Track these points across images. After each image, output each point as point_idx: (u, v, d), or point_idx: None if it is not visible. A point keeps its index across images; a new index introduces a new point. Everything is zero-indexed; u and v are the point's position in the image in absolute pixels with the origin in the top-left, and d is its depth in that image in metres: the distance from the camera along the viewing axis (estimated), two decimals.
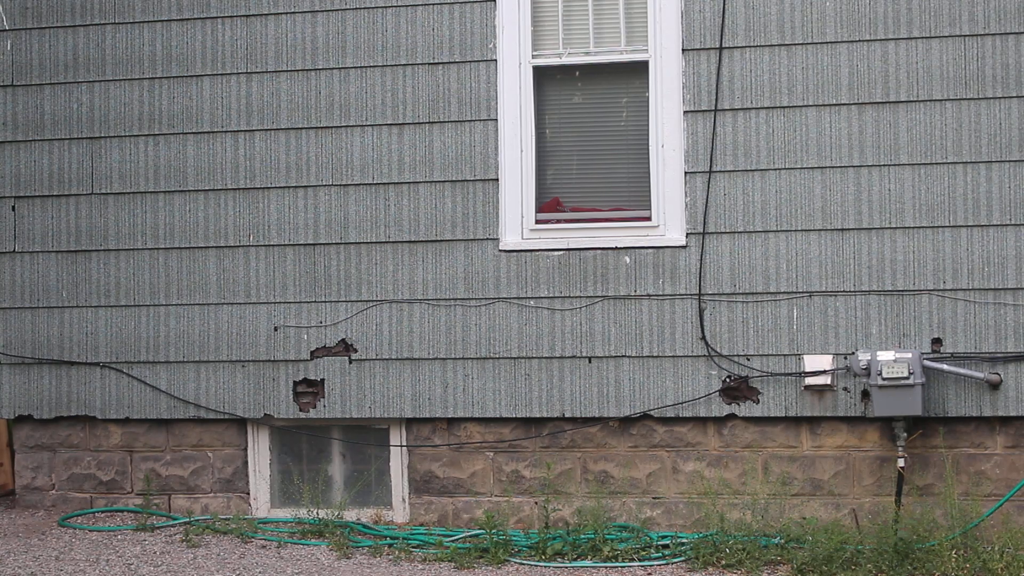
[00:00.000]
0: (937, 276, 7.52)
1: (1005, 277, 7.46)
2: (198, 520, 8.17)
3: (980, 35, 7.54)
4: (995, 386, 7.46)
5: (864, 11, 7.63)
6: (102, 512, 8.42)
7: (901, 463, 7.49)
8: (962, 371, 7.45)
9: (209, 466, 8.34)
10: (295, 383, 8.15)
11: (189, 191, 8.27)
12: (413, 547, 7.64)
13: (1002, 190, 7.49)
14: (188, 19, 8.29)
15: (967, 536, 7.24)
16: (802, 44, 7.70)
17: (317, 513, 8.02)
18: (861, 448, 7.64)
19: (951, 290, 7.52)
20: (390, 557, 7.50)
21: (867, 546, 7.19)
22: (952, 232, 7.53)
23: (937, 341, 7.52)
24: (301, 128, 8.16)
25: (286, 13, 8.17)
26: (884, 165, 7.60)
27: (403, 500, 8.12)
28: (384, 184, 8.05)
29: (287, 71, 8.18)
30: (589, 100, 8.10)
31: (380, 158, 8.08)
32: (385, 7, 8.07)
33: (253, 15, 8.21)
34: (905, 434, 7.47)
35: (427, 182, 8.01)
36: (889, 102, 7.61)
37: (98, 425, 8.44)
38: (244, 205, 8.22)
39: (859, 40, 7.65)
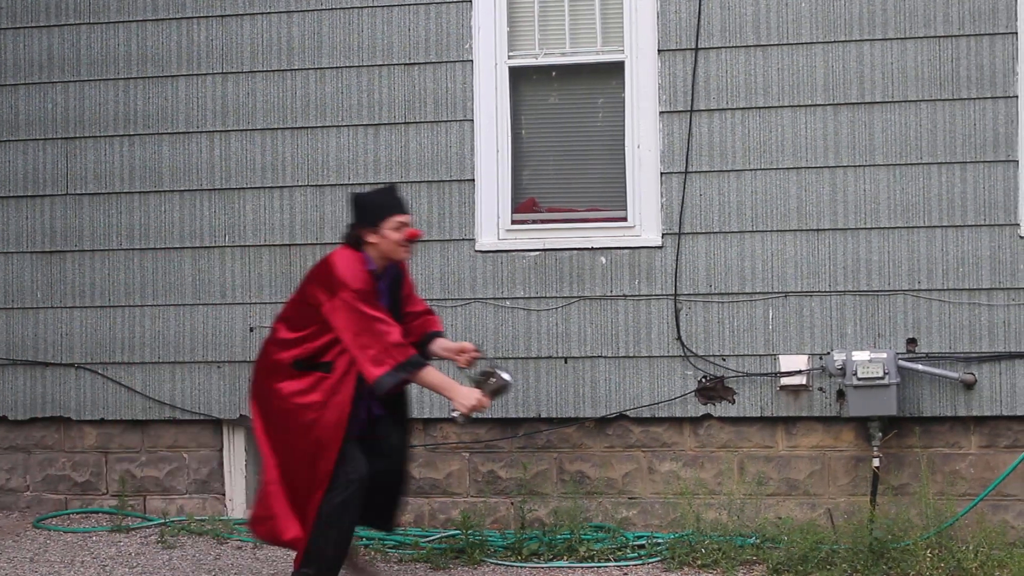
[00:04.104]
0: (912, 276, 7.54)
1: (980, 277, 7.48)
2: (173, 521, 8.14)
3: (955, 36, 7.55)
4: (970, 386, 7.48)
5: (839, 12, 7.65)
6: (77, 513, 8.39)
7: (876, 463, 7.50)
8: (937, 371, 7.47)
9: (184, 467, 8.31)
10: None
11: (164, 191, 8.25)
12: (389, 548, 7.63)
13: (976, 191, 7.51)
14: (163, 19, 8.26)
15: (942, 536, 7.25)
16: (778, 45, 7.71)
17: None
18: (836, 448, 7.66)
19: (926, 290, 7.53)
20: (366, 557, 7.48)
21: (842, 546, 7.20)
22: (927, 232, 7.55)
23: (912, 341, 7.54)
24: (277, 128, 8.14)
25: (262, 13, 8.15)
26: (859, 166, 7.62)
27: None
28: (360, 184, 8.03)
29: (263, 71, 8.17)
30: (565, 100, 8.10)
31: (356, 158, 8.07)
32: (361, 7, 8.06)
33: (228, 15, 8.19)
34: (880, 434, 7.48)
35: (403, 182, 7.98)
36: (864, 103, 7.63)
37: (73, 426, 8.41)
38: (220, 205, 8.20)
39: (834, 41, 7.66)
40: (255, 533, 6.57)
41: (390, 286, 6.51)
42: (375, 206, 6.37)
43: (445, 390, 6.34)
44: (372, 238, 6.32)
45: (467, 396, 6.31)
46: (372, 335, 6.14)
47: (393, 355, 6.16)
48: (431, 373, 6.33)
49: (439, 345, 6.71)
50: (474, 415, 6.45)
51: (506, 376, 6.48)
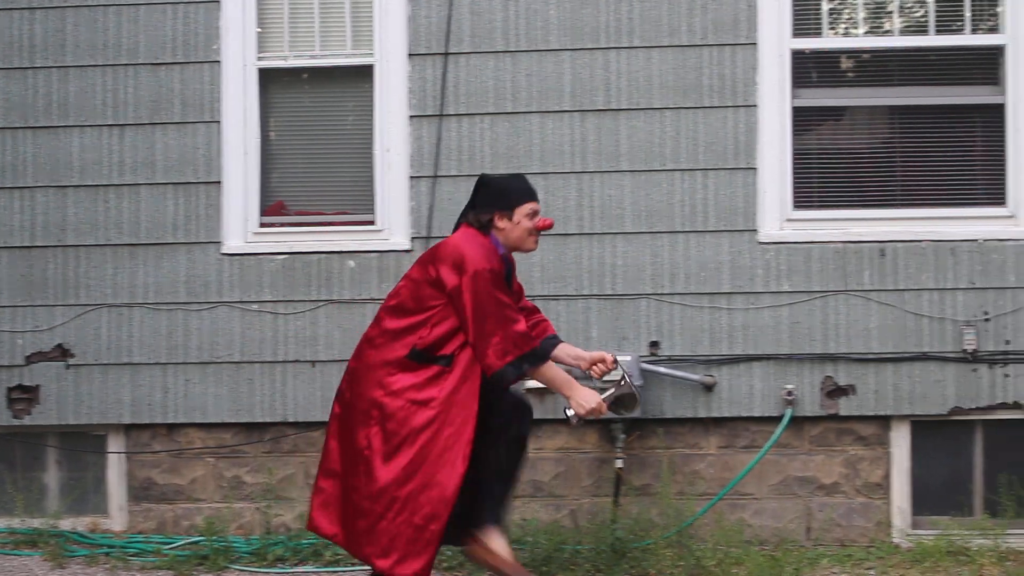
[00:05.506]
0: (656, 281, 7.67)
1: (720, 282, 7.65)
2: None
3: (698, 46, 7.72)
4: (710, 388, 7.63)
5: (587, 20, 7.76)
6: None
7: (619, 464, 7.60)
8: (678, 374, 7.61)
9: None
10: (9, 389, 7.89)
11: None
12: (130, 555, 7.48)
13: (718, 197, 7.68)
14: None
15: (682, 535, 7.38)
16: (527, 51, 7.79)
17: (31, 522, 7.79)
18: (581, 450, 7.74)
19: (668, 294, 7.67)
20: (107, 566, 7.33)
21: (585, 546, 7.29)
22: (670, 238, 7.68)
23: (655, 344, 7.67)
24: (18, 128, 7.93)
25: (3, 9, 7.93)
26: (605, 172, 7.72)
27: (121, 508, 7.94)
28: (104, 186, 7.88)
29: (3, 69, 7.95)
30: (316, 103, 8.05)
31: (100, 159, 7.90)
32: (107, 5, 7.90)
33: None
34: (623, 435, 7.59)
35: (149, 184, 7.86)
36: (610, 110, 7.74)
37: None
38: None
39: (582, 48, 7.76)
40: (380, 568, 5.73)
41: (506, 280, 5.96)
42: (510, 189, 5.94)
43: (564, 387, 5.80)
44: (502, 223, 5.87)
45: (588, 398, 5.79)
46: (498, 321, 5.60)
47: (519, 345, 5.62)
48: (551, 368, 5.79)
49: (566, 351, 6.16)
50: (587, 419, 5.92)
51: (632, 388, 6.04)
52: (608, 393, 5.97)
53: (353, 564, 7.33)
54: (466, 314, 5.63)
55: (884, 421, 7.67)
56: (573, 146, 7.74)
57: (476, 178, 7.55)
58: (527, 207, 5.93)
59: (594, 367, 6.08)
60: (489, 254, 5.73)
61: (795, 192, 7.71)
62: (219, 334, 7.83)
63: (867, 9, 7.83)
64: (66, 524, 7.87)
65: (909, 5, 7.83)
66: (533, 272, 7.67)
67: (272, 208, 7.94)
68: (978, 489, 7.68)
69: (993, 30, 7.71)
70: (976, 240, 7.59)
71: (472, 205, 5.98)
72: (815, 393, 7.63)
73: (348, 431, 5.80)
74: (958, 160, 7.73)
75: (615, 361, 6.01)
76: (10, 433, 8.00)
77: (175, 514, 7.89)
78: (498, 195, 5.93)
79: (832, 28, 7.83)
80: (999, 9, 7.69)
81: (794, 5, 7.74)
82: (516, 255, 6.14)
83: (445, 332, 5.69)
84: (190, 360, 7.82)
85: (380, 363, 5.73)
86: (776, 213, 7.67)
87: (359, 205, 7.91)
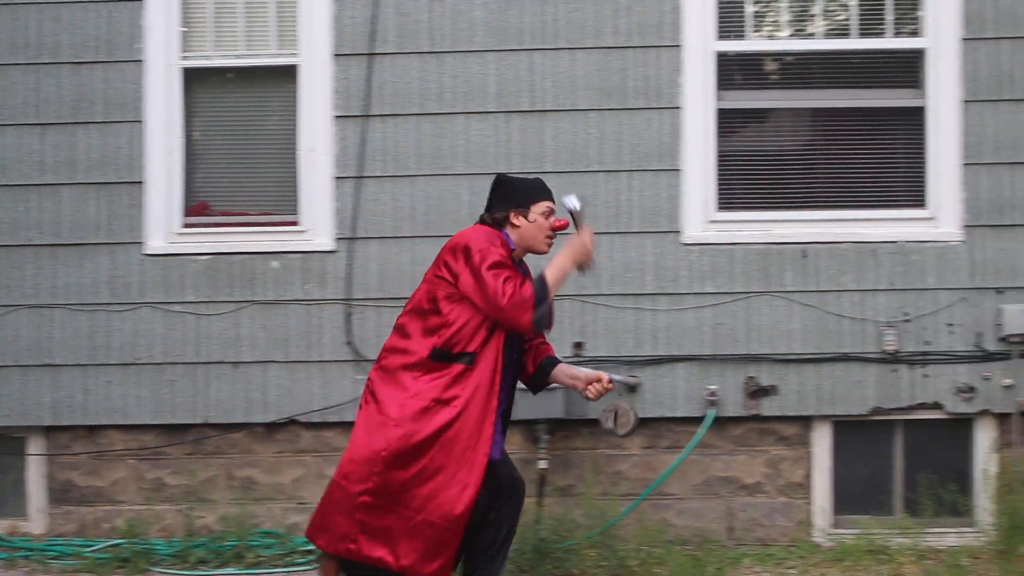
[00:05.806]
0: (579, 281, 7.63)
1: (643, 283, 7.68)
2: None
3: (623, 48, 7.75)
4: (633, 388, 7.65)
5: (512, 21, 7.76)
6: None
7: (543, 464, 7.61)
8: None
9: None
10: None
11: None
12: (50, 558, 7.43)
13: (642, 199, 7.70)
14: None
15: (606, 535, 7.40)
16: (452, 52, 7.78)
17: None
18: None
19: (593, 295, 7.69)
20: (26, 569, 7.28)
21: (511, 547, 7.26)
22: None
23: (579, 345, 7.68)
24: None
25: None
26: (531, 173, 7.68)
27: (41, 510, 7.87)
28: (25, 186, 7.81)
29: None
30: (241, 103, 8.01)
31: (21, 159, 7.83)
32: (28, 4, 7.84)
33: None
34: (547, 436, 7.60)
35: (70, 184, 7.80)
36: (536, 111, 7.75)
37: None
38: None
39: (507, 49, 7.77)
40: None
41: None
42: (526, 187, 5.91)
43: (569, 262, 5.79)
44: (517, 220, 5.83)
45: (582, 246, 5.80)
46: (503, 290, 5.49)
47: (527, 293, 5.51)
48: (551, 277, 5.70)
49: (564, 371, 6.06)
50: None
51: (632, 407, 6.81)
52: (607, 409, 6.60)
53: (274, 566, 7.31)
54: (476, 295, 5.56)
55: (806, 421, 7.72)
56: (498, 147, 7.75)
57: (401, 179, 7.65)
58: (543, 205, 5.91)
59: (590, 387, 5.96)
60: (492, 239, 5.69)
61: (719, 194, 7.75)
62: (141, 335, 7.77)
63: (791, 12, 7.88)
64: None
65: (832, 8, 7.89)
66: None
67: (195, 208, 7.89)
68: (898, 488, 7.75)
69: (914, 33, 7.78)
70: (896, 242, 7.66)
71: (488, 207, 5.94)
72: (738, 394, 7.67)
73: (368, 436, 5.66)
74: (879, 162, 7.79)
75: (611, 381, 5.97)
76: None
77: (96, 516, 7.83)
78: (514, 192, 5.91)
79: (756, 31, 7.87)
80: (920, 13, 7.76)
81: (718, 8, 7.78)
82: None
83: (463, 327, 5.62)
84: (111, 361, 7.77)
85: (401, 366, 5.65)
86: (700, 215, 7.71)
87: (283, 205, 7.88)
